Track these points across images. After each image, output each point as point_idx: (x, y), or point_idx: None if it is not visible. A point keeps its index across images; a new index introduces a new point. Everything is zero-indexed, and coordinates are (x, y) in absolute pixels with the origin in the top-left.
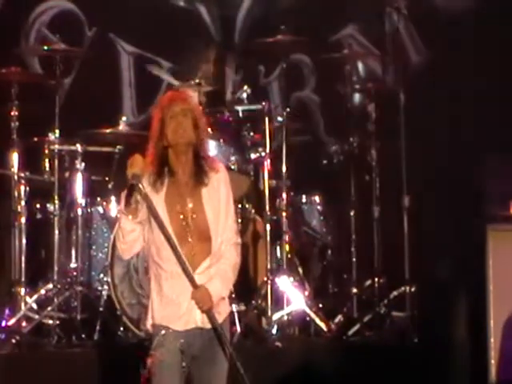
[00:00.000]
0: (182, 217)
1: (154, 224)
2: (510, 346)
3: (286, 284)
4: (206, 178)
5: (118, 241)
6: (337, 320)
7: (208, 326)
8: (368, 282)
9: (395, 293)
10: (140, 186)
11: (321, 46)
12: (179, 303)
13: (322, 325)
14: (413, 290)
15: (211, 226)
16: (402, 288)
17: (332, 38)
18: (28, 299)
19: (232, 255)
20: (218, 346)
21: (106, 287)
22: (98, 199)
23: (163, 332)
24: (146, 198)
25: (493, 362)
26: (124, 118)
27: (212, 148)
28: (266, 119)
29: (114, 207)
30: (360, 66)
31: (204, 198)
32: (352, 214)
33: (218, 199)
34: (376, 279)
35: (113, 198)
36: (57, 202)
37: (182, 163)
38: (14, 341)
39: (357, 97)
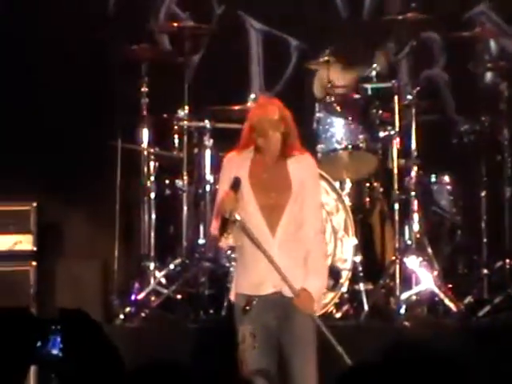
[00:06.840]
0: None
1: (246, 210)
2: None
3: (414, 264)
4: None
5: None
6: (466, 301)
7: (287, 294)
8: (499, 264)
9: None
10: (238, 218)
11: (451, 23)
12: (256, 268)
13: (451, 305)
14: None
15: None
16: None
17: (464, 15)
18: (157, 274)
19: (319, 244)
20: (294, 313)
21: (233, 263)
22: None
23: (241, 304)
24: (245, 226)
25: None
26: (252, 95)
27: (340, 126)
28: (396, 97)
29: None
30: (492, 43)
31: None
32: (483, 194)
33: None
34: (507, 261)
35: None
36: (185, 178)
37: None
38: (143, 314)
39: (488, 75)
